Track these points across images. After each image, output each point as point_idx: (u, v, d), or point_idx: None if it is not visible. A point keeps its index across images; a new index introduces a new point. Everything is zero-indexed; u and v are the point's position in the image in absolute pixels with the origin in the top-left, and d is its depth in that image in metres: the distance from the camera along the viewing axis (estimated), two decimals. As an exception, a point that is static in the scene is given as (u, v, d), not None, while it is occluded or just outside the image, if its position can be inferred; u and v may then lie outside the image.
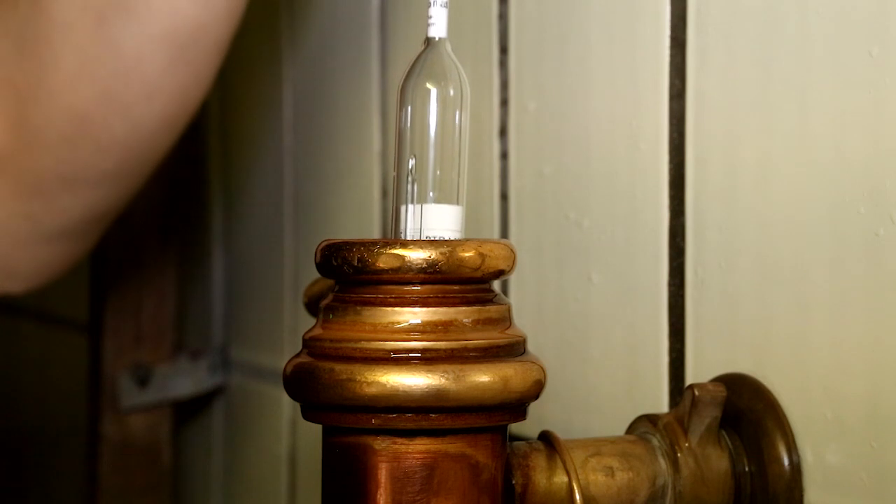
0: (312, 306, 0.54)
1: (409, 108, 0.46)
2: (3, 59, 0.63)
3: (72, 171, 0.64)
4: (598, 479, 0.45)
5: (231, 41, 0.63)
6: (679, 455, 0.46)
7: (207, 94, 0.65)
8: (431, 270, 0.42)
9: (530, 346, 0.44)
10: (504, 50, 0.62)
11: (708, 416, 0.46)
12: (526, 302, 0.60)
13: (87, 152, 0.63)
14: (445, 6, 0.45)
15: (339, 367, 0.41)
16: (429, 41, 0.45)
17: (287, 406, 0.84)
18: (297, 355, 0.43)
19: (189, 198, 0.97)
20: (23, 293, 0.70)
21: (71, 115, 0.62)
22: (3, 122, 0.64)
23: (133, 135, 0.63)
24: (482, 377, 0.41)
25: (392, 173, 0.48)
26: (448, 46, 0.45)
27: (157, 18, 0.60)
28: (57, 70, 0.61)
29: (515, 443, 0.45)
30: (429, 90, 0.45)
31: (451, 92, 0.45)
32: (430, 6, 0.45)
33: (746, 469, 0.47)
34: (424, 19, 0.46)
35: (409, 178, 0.45)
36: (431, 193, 0.45)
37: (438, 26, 0.45)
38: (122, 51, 0.60)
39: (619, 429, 0.49)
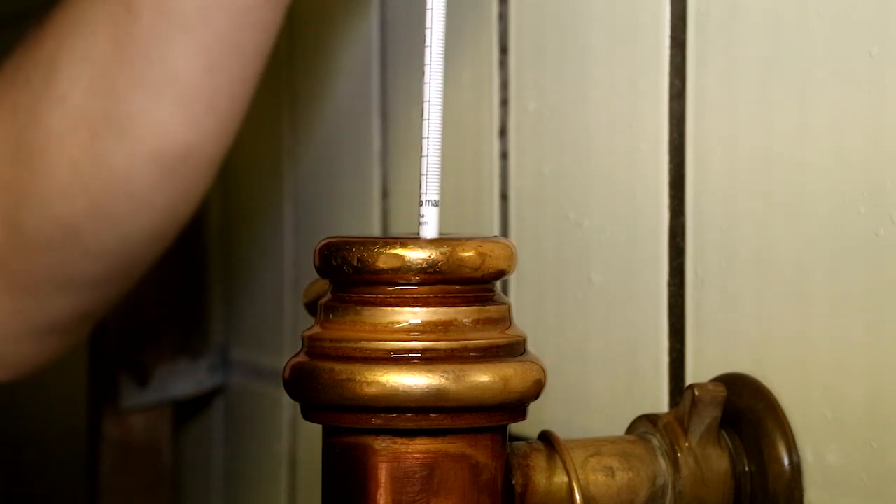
0: (312, 306, 0.54)
1: None
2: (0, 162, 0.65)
3: (62, 273, 0.66)
4: (598, 479, 0.45)
5: (223, 158, 0.64)
6: (679, 455, 0.46)
7: (198, 208, 0.66)
8: (431, 270, 0.42)
9: (530, 346, 0.44)
10: (504, 50, 0.62)
11: (708, 416, 0.46)
12: (526, 302, 0.60)
13: (77, 258, 0.65)
14: (437, 205, 0.44)
15: (339, 367, 0.41)
16: None
17: (287, 406, 0.84)
18: (297, 355, 0.43)
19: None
20: (9, 382, 0.71)
21: (61, 223, 0.64)
22: None
23: (121, 245, 0.65)
24: (482, 377, 0.41)
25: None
26: None
27: (147, 138, 0.61)
28: (49, 179, 0.63)
29: (515, 443, 0.45)
30: None
31: None
32: (420, 205, 0.44)
33: (746, 469, 0.47)
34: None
35: None
36: None
37: (431, 227, 0.44)
38: (113, 166, 0.62)
39: (619, 429, 0.49)
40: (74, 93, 0.61)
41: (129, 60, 0.60)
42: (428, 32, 0.45)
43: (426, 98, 0.44)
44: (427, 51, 0.45)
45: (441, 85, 0.44)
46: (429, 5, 0.45)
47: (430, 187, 0.44)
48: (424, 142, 0.44)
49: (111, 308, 0.71)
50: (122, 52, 0.60)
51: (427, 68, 0.45)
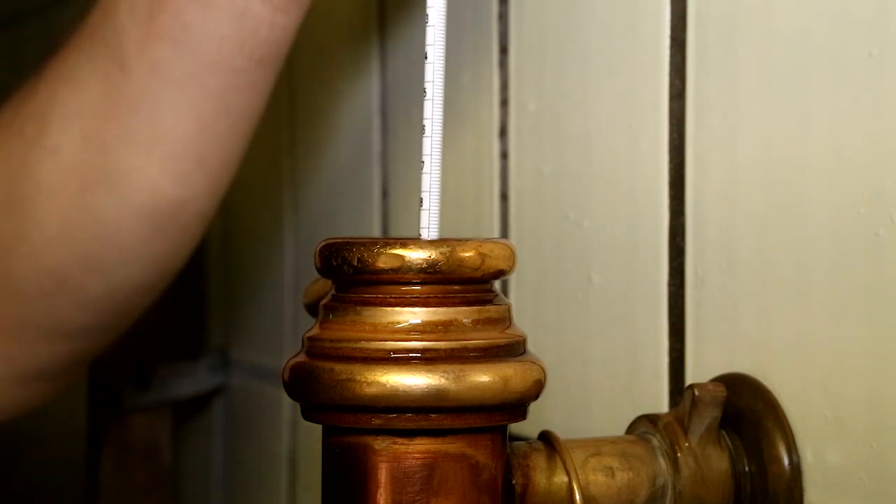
0: (313, 307, 0.54)
1: None
2: None
3: (50, 322, 0.66)
4: (598, 479, 0.45)
5: (214, 213, 0.65)
6: (679, 455, 0.46)
7: (188, 259, 0.67)
8: (431, 270, 0.42)
9: (530, 346, 0.44)
10: (504, 50, 0.62)
11: (708, 416, 0.46)
12: (526, 302, 0.60)
13: (66, 308, 0.65)
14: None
15: (339, 367, 0.41)
16: None
17: (287, 406, 0.84)
18: (297, 355, 0.43)
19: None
20: None
21: (50, 274, 0.64)
22: None
23: (110, 296, 0.65)
24: (482, 377, 0.41)
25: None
26: None
27: (137, 193, 0.61)
28: (39, 230, 0.63)
29: (515, 443, 0.45)
30: None
31: None
32: None
33: (746, 469, 0.47)
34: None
35: None
36: None
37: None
38: (102, 219, 0.62)
39: (619, 429, 0.49)
40: (66, 145, 0.62)
41: (120, 116, 0.60)
42: (429, 60, 0.45)
43: (427, 133, 0.44)
44: (427, 124, 0.45)
45: (441, 126, 0.44)
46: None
47: (432, 223, 0.44)
48: (426, 177, 0.44)
49: (100, 355, 0.72)
50: (113, 107, 0.60)
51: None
